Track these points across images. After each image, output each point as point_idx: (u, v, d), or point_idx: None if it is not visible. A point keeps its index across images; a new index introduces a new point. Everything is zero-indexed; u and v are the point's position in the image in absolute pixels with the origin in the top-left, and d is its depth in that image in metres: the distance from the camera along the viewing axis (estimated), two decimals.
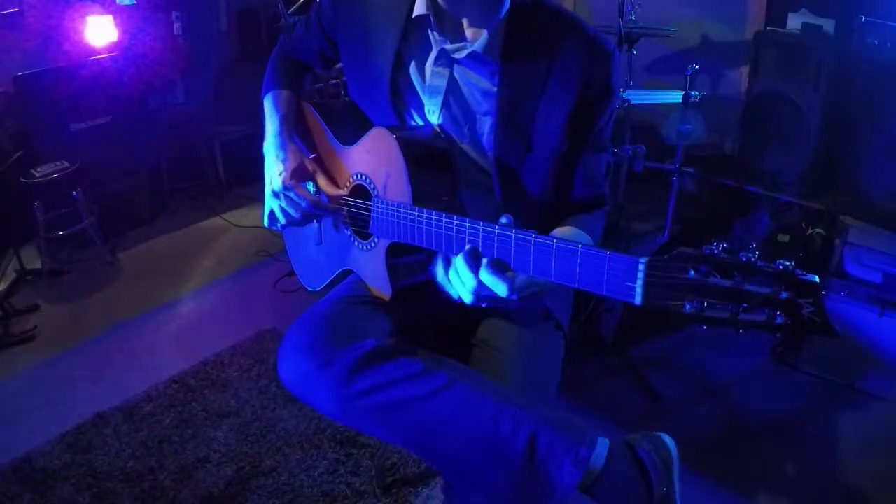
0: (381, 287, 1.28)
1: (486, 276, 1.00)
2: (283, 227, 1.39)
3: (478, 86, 1.25)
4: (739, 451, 1.89)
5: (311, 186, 1.39)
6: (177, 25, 3.66)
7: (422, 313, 1.29)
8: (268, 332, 2.42)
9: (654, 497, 1.03)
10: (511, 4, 1.19)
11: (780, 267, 0.77)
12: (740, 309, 0.79)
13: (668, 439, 1.11)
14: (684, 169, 2.78)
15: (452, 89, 1.26)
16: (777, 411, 2.06)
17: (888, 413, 2.02)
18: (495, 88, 1.22)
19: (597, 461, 1.04)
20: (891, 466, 1.83)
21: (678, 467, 1.08)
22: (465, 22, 1.21)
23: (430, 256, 1.15)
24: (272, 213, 1.37)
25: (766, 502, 1.73)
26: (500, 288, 0.99)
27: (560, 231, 1.21)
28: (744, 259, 0.78)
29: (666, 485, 1.04)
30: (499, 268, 1.00)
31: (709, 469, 1.78)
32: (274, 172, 1.33)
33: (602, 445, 1.06)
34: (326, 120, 1.41)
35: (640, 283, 0.84)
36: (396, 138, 1.18)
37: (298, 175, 1.32)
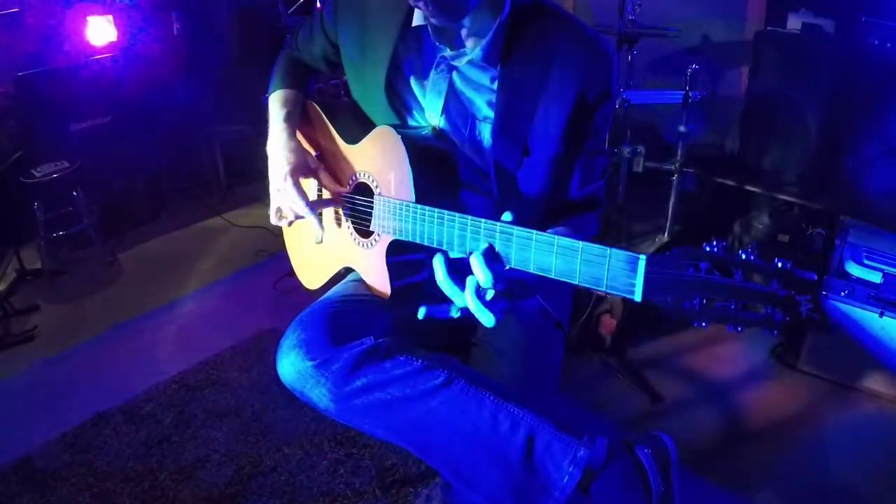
0: (380, 285, 1.28)
1: (475, 262, 0.99)
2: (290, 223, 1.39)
3: (477, 91, 1.25)
4: (739, 451, 1.89)
5: (314, 185, 1.39)
6: (177, 25, 3.67)
7: None
8: (267, 332, 2.42)
9: (651, 497, 1.03)
10: (511, 7, 1.19)
11: (779, 265, 0.78)
12: (739, 306, 0.80)
13: (667, 440, 1.11)
14: (684, 169, 2.78)
15: (452, 94, 1.26)
16: (777, 411, 2.06)
17: (888, 413, 2.02)
18: (494, 93, 1.22)
19: (595, 461, 1.04)
20: (891, 466, 1.83)
21: (677, 468, 1.08)
22: (463, 31, 1.21)
23: (430, 255, 1.15)
24: (279, 209, 1.38)
25: (766, 502, 1.73)
26: (485, 276, 0.97)
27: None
28: (743, 257, 0.79)
29: (664, 485, 1.04)
30: (491, 256, 0.99)
31: (708, 469, 1.78)
32: (277, 170, 1.33)
33: (601, 446, 1.06)
34: (331, 118, 1.42)
35: (640, 279, 0.84)
36: (401, 137, 1.19)
37: (301, 173, 1.32)
